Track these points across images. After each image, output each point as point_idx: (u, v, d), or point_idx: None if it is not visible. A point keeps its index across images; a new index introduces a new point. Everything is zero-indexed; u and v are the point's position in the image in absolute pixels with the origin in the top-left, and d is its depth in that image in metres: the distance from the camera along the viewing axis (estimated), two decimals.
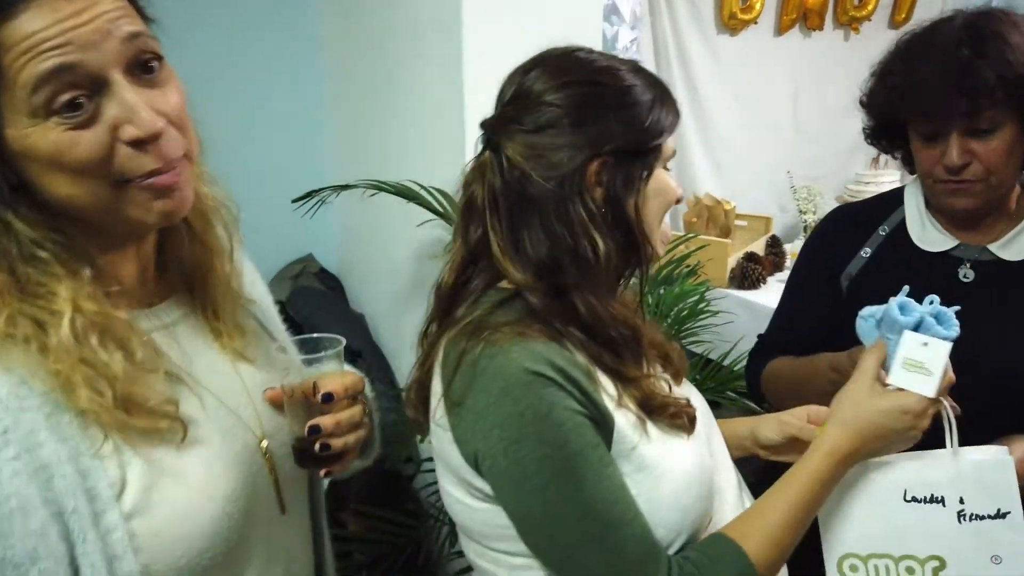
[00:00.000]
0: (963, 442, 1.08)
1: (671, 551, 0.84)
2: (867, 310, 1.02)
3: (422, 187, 1.77)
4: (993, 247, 1.17)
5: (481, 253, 0.88)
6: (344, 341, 0.87)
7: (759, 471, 1.19)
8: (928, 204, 1.23)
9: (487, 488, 0.84)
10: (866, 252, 1.26)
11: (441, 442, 0.87)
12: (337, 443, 0.82)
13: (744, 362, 1.94)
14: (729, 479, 0.98)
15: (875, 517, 0.93)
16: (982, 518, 0.93)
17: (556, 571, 0.84)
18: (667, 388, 0.90)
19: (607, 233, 0.84)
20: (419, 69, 2.04)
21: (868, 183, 3.19)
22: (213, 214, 0.85)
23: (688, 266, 2.06)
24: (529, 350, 0.80)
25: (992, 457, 0.95)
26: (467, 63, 1.75)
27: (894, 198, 1.28)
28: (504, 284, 0.88)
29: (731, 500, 0.95)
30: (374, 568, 1.82)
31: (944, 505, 0.94)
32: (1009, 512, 0.93)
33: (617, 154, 0.84)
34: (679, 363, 1.00)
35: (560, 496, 0.79)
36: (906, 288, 0.98)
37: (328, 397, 0.81)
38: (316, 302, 2.66)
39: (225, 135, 3.01)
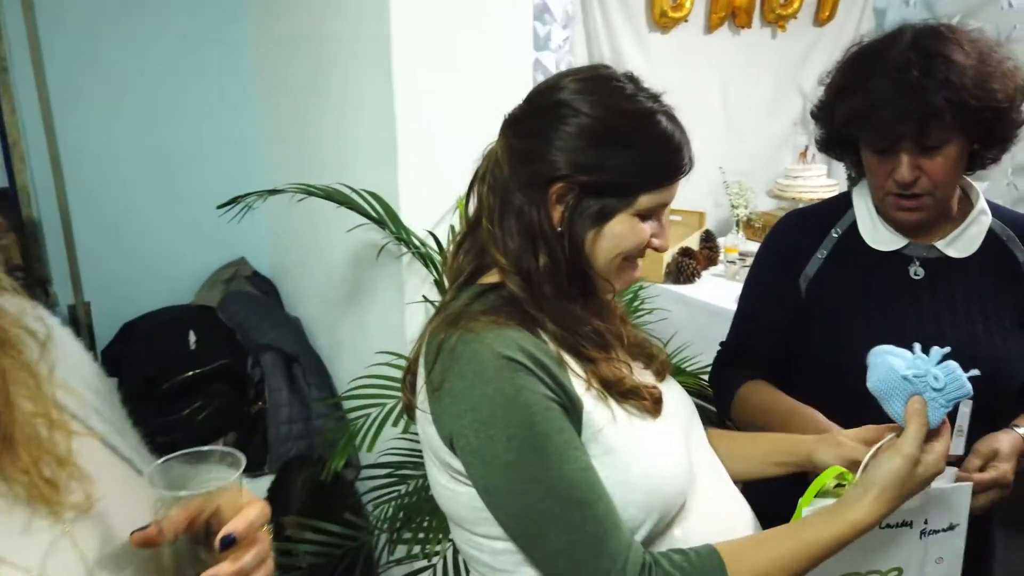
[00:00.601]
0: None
1: (643, 531, 0.87)
2: (890, 358, 0.97)
3: (353, 190, 1.74)
4: (939, 245, 1.23)
5: (475, 226, 0.95)
6: (244, 459, 0.67)
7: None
8: (878, 209, 1.29)
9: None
10: (822, 254, 1.30)
11: (424, 427, 0.92)
12: None
13: (683, 356, 1.98)
14: (708, 470, 1.00)
15: (852, 546, 0.95)
16: (938, 532, 1.03)
17: (523, 546, 0.87)
18: (631, 373, 0.95)
19: (554, 250, 0.90)
20: (348, 70, 2.00)
21: (797, 177, 3.27)
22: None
23: None
24: (502, 336, 0.85)
25: (956, 484, 1.04)
26: (396, 64, 1.72)
27: (843, 202, 1.34)
28: (483, 279, 0.94)
29: (708, 488, 0.97)
30: None
31: (912, 527, 1.02)
32: (958, 524, 1.04)
33: (581, 185, 0.88)
34: (662, 361, 1.04)
35: (525, 474, 0.83)
36: (945, 350, 0.95)
37: (229, 541, 0.62)
38: (249, 306, 2.61)
39: (152, 136, 2.96)
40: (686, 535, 0.91)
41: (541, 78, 2.48)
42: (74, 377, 0.70)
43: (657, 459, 0.90)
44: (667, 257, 2.91)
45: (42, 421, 0.63)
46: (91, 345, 2.63)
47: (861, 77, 1.16)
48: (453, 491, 0.91)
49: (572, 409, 0.86)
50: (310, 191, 1.69)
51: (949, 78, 1.08)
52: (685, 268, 2.74)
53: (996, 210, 1.27)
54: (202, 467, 0.67)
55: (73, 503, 0.63)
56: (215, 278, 2.76)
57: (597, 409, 0.88)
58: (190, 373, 2.37)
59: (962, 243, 1.24)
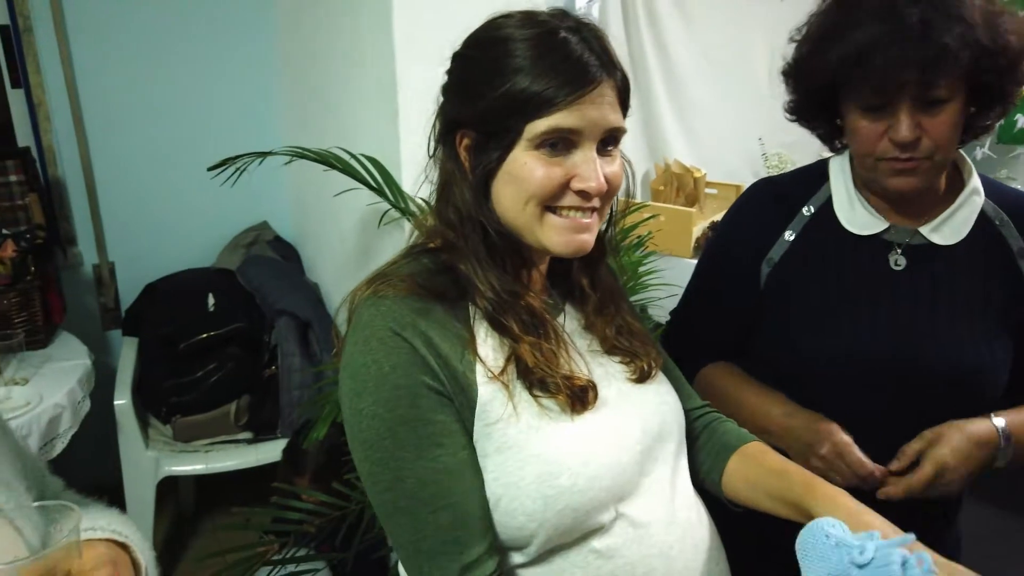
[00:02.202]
0: (907, 437, 1.05)
1: (534, 543, 0.80)
2: (833, 532, 0.77)
3: (352, 155, 1.70)
4: (924, 230, 1.09)
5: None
6: (80, 514, 0.65)
7: None
8: (856, 183, 1.13)
9: None
10: (789, 235, 1.15)
11: None
12: None
13: None
14: (661, 488, 0.89)
15: None
16: None
17: (383, 524, 0.83)
18: (567, 365, 0.85)
19: (467, 206, 0.83)
20: (352, 31, 1.96)
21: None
22: None
23: (638, 236, 2.00)
24: (402, 308, 0.80)
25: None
26: (397, 25, 1.67)
27: (818, 173, 1.18)
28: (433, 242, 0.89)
29: (653, 507, 0.86)
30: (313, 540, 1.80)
31: None
32: None
33: (474, 127, 0.82)
34: (650, 362, 0.93)
35: (379, 457, 0.79)
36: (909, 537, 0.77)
37: None
38: (267, 271, 2.61)
39: (176, 97, 2.96)
40: (609, 551, 0.82)
41: None
42: None
43: (561, 467, 0.79)
44: (696, 231, 2.81)
45: None
46: (115, 304, 2.68)
47: (850, 19, 0.99)
48: None
49: (462, 399, 0.80)
50: (303, 155, 1.65)
51: (961, 14, 0.93)
52: None
53: (990, 187, 1.11)
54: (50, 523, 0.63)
55: None
56: (236, 242, 2.77)
57: (496, 401, 0.80)
58: (205, 335, 2.39)
59: (949, 228, 1.08)
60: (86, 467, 1.71)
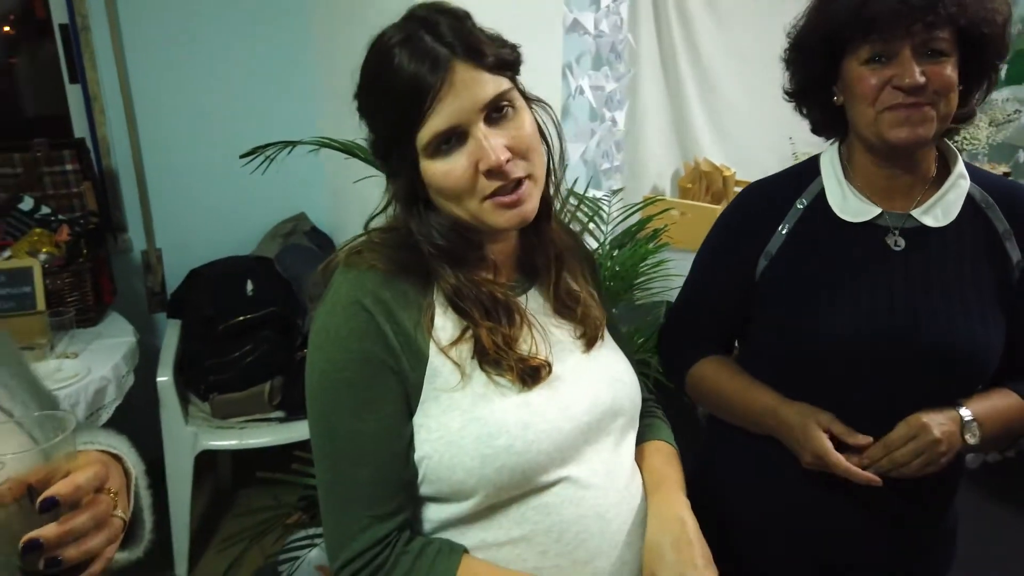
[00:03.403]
0: (903, 414, 1.09)
1: (474, 498, 0.86)
2: None
3: None
4: (916, 213, 1.13)
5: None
6: (76, 419, 0.70)
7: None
8: (847, 173, 1.18)
9: None
10: (784, 228, 1.19)
11: None
12: (71, 553, 0.66)
13: None
14: (602, 448, 0.95)
15: None
16: None
17: (315, 465, 0.92)
18: (526, 345, 0.90)
19: (412, 215, 0.90)
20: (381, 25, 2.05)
21: None
22: None
23: (654, 229, 2.06)
24: (368, 280, 0.87)
25: None
26: None
27: (810, 168, 1.22)
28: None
29: (594, 469, 0.93)
30: None
31: None
32: None
33: (383, 160, 0.90)
34: (595, 326, 0.99)
35: (319, 408, 0.88)
36: None
37: (49, 503, 0.64)
38: (303, 259, 2.73)
39: (220, 93, 3.10)
40: (546, 508, 0.89)
41: (578, 39, 2.45)
42: None
43: (499, 429, 0.85)
44: None
45: None
46: (161, 288, 2.84)
47: None
48: None
49: (413, 365, 0.86)
50: (329, 144, 1.75)
51: None
52: None
53: (975, 174, 1.16)
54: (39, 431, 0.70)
55: None
56: (275, 231, 2.90)
57: (446, 369, 0.87)
58: (243, 318, 2.51)
59: (940, 210, 1.13)
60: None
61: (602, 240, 1.97)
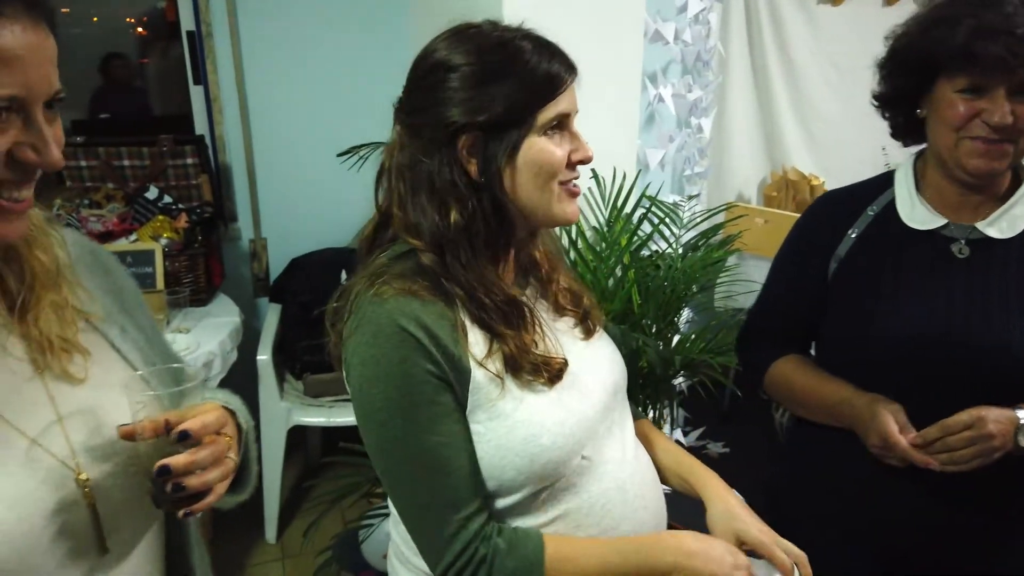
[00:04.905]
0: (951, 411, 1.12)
1: (520, 493, 0.94)
2: None
3: None
4: (980, 225, 1.17)
5: (385, 219, 0.99)
6: (205, 374, 0.85)
7: None
8: (918, 185, 1.23)
9: None
10: (854, 232, 1.26)
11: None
12: (193, 482, 0.75)
13: None
14: (618, 429, 1.04)
15: None
16: None
17: (389, 495, 0.98)
18: (542, 344, 0.98)
19: (472, 203, 0.92)
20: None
21: None
22: (33, 240, 0.81)
23: (729, 235, 2.11)
24: (405, 306, 0.89)
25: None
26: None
27: (884, 181, 1.29)
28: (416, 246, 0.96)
29: (614, 448, 1.02)
30: None
31: None
32: None
33: (483, 128, 0.91)
34: (592, 317, 1.08)
35: (392, 435, 0.91)
36: None
37: (183, 435, 0.74)
38: None
39: (324, 96, 3.29)
40: (576, 489, 0.97)
41: (663, 48, 2.50)
42: (110, 296, 0.89)
43: (542, 429, 0.93)
44: None
45: (57, 307, 0.81)
46: (265, 275, 3.07)
47: (968, 9, 1.10)
48: None
49: (459, 380, 0.91)
50: None
51: None
52: None
53: None
54: (173, 379, 0.82)
55: (72, 373, 0.80)
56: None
57: (486, 379, 0.92)
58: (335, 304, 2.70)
59: (1006, 222, 1.17)
60: None
61: (672, 243, 2.03)
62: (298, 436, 2.76)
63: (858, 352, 1.24)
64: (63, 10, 4.12)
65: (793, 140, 3.45)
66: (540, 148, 0.92)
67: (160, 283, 2.37)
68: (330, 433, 2.69)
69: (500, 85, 0.90)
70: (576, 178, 0.96)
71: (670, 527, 1.10)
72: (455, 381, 0.91)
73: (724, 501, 1.05)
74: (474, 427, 0.93)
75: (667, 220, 2.00)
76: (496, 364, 0.93)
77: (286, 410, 2.58)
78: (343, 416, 2.58)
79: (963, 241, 1.18)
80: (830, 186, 3.15)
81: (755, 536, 1.00)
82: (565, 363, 0.98)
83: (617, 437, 1.04)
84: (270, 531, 2.64)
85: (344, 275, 2.82)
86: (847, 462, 1.26)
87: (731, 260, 2.13)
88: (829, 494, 1.32)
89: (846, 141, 3.40)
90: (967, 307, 1.16)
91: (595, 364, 1.04)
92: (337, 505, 1.93)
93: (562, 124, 0.94)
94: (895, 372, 1.20)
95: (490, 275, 0.95)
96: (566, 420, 0.95)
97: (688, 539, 0.96)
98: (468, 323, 0.94)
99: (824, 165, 3.40)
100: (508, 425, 0.93)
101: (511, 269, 1.03)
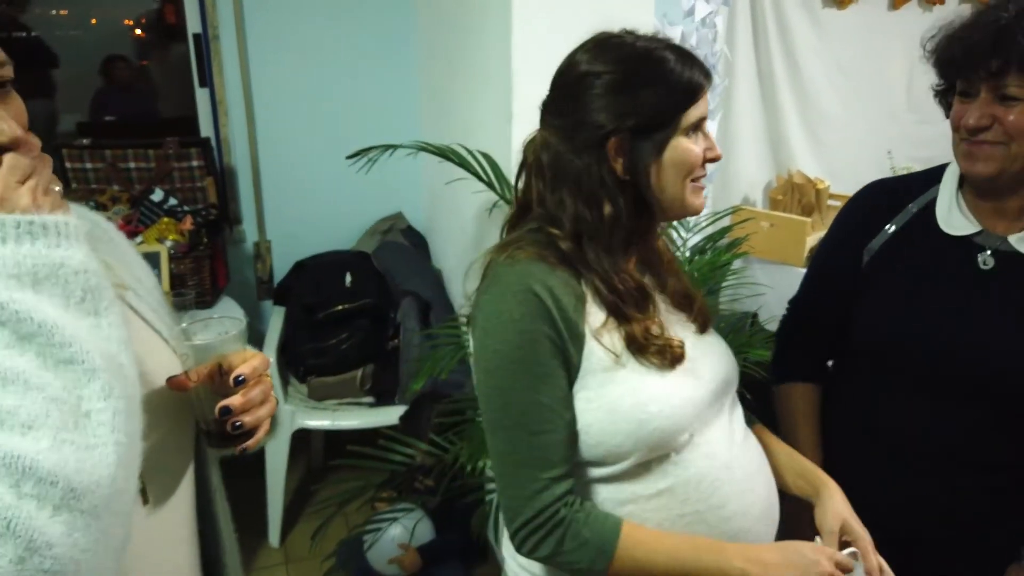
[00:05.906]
0: (965, 427, 1.14)
1: (631, 458, 1.00)
2: None
3: (468, 151, 1.92)
4: (1012, 239, 1.15)
5: (529, 205, 1.08)
6: (244, 322, 0.90)
7: None
8: (962, 184, 1.22)
9: None
10: (891, 228, 1.26)
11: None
12: (249, 420, 0.83)
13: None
14: (723, 422, 1.09)
15: None
16: None
17: (487, 439, 1.03)
18: (661, 330, 1.04)
19: (621, 199, 1.00)
20: (476, 40, 2.17)
21: None
22: None
23: (735, 238, 2.10)
24: (535, 269, 0.99)
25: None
26: (516, 38, 1.86)
27: (932, 177, 1.27)
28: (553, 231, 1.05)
29: (722, 431, 1.07)
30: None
31: None
32: None
33: (631, 131, 0.99)
34: (702, 312, 1.14)
35: (495, 384, 0.99)
36: None
37: (240, 380, 0.81)
38: (398, 256, 2.89)
39: (328, 99, 3.32)
40: (685, 463, 1.03)
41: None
42: (120, 264, 0.91)
43: (650, 398, 0.99)
44: (811, 241, 2.82)
45: None
46: (269, 277, 3.07)
47: (966, 22, 1.13)
48: None
49: (575, 345, 0.99)
50: (425, 148, 1.88)
51: None
52: None
53: None
54: (215, 330, 0.87)
55: None
56: (374, 228, 3.08)
57: (600, 350, 0.99)
58: (340, 307, 2.70)
59: None
60: None
61: (680, 246, 2.03)
62: (302, 439, 2.75)
63: (883, 356, 1.24)
64: (61, 12, 4.14)
65: (799, 143, 3.43)
66: (683, 148, 1.00)
67: (165, 285, 2.37)
68: (334, 436, 2.68)
69: (648, 91, 0.98)
70: (705, 175, 1.04)
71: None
72: (571, 346, 0.98)
73: (840, 495, 1.10)
74: (585, 393, 1.00)
75: (674, 223, 1.99)
76: (612, 338, 1.00)
77: (290, 413, 2.58)
78: (347, 419, 2.58)
79: (989, 252, 1.17)
80: (835, 190, 3.14)
81: (858, 530, 1.06)
82: (683, 348, 1.04)
83: (725, 424, 1.09)
84: (273, 535, 2.64)
85: (349, 277, 2.82)
86: (846, 463, 1.26)
87: (737, 263, 2.12)
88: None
89: (852, 144, 3.39)
90: (984, 321, 1.15)
91: (708, 355, 1.10)
92: (341, 510, 1.92)
93: (699, 125, 1.02)
94: (896, 376, 1.21)
95: (622, 263, 1.04)
96: (675, 394, 1.01)
97: (768, 552, 0.99)
98: (590, 296, 1.01)
99: (830, 168, 3.38)
100: (619, 392, 0.99)
101: (633, 261, 1.09)
